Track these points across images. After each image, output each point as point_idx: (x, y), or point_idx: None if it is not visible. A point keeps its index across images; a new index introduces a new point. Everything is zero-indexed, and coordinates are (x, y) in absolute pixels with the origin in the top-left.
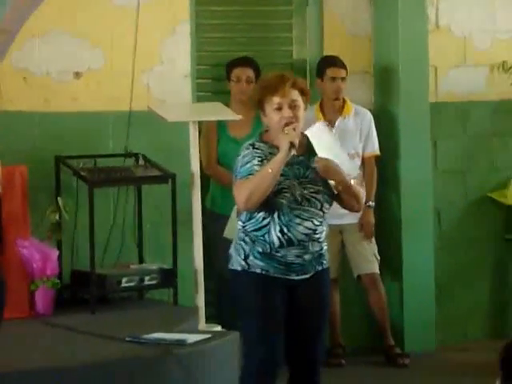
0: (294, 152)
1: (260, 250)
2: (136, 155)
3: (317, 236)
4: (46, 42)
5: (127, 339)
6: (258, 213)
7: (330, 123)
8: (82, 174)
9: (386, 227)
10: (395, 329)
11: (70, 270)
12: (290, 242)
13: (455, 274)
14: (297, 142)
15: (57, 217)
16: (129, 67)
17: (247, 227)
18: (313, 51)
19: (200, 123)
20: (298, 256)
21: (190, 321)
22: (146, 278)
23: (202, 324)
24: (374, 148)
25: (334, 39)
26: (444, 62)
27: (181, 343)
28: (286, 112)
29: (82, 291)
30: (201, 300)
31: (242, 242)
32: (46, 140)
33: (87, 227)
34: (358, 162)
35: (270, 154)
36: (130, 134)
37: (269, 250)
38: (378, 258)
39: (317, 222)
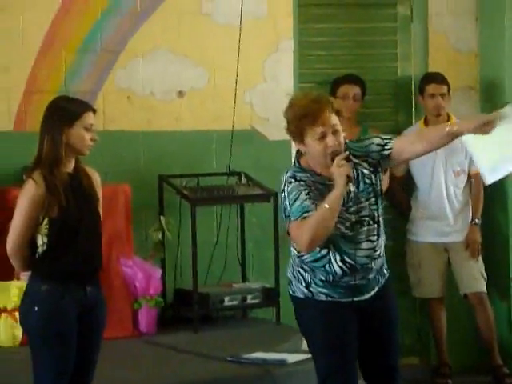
0: (351, 186)
1: (322, 278)
2: (238, 174)
3: (377, 253)
4: (149, 61)
5: (228, 359)
6: None
7: None
8: (185, 192)
9: (492, 245)
10: (503, 348)
11: (173, 288)
12: (354, 269)
13: None
14: (351, 173)
15: (160, 235)
16: (232, 86)
17: (305, 258)
18: (418, 68)
19: None
20: (362, 278)
21: (293, 340)
22: (249, 296)
23: (305, 343)
24: None
25: (439, 55)
26: None
27: (281, 363)
28: (331, 140)
29: (185, 310)
30: None
31: (300, 269)
32: (149, 159)
33: (190, 246)
34: (465, 178)
35: (314, 182)
36: (233, 152)
37: (332, 279)
38: (485, 276)
39: (373, 238)
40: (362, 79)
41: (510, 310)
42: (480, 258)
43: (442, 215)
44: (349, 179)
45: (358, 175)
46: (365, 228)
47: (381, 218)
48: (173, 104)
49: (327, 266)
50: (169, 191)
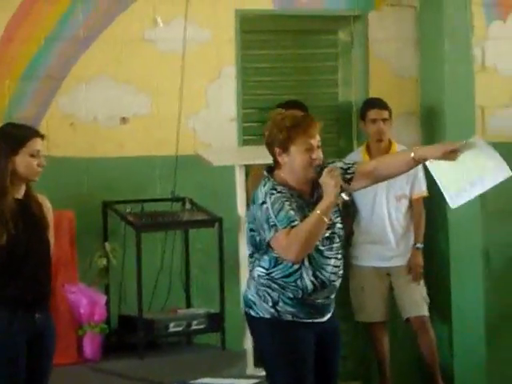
0: (345, 197)
1: (291, 295)
2: (183, 199)
3: (341, 272)
4: (93, 87)
5: None
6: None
7: None
8: (130, 218)
9: (434, 269)
10: (445, 372)
11: (117, 315)
12: (323, 285)
13: (505, 316)
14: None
15: (104, 262)
16: (175, 112)
17: (274, 274)
18: (358, 93)
19: (247, 167)
20: (326, 297)
21: (239, 365)
22: (194, 322)
23: (251, 368)
24: (422, 189)
25: (379, 81)
26: (491, 102)
27: None
28: (315, 154)
29: (129, 336)
30: (249, 344)
31: (267, 289)
32: (93, 185)
33: (135, 272)
34: (406, 203)
35: (292, 196)
36: (177, 178)
37: (301, 295)
38: (428, 300)
39: (339, 256)
40: (305, 104)
41: (451, 334)
42: (422, 281)
43: (384, 240)
44: (341, 189)
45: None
46: (334, 245)
47: (342, 242)
48: (116, 130)
49: (298, 281)
50: (113, 217)
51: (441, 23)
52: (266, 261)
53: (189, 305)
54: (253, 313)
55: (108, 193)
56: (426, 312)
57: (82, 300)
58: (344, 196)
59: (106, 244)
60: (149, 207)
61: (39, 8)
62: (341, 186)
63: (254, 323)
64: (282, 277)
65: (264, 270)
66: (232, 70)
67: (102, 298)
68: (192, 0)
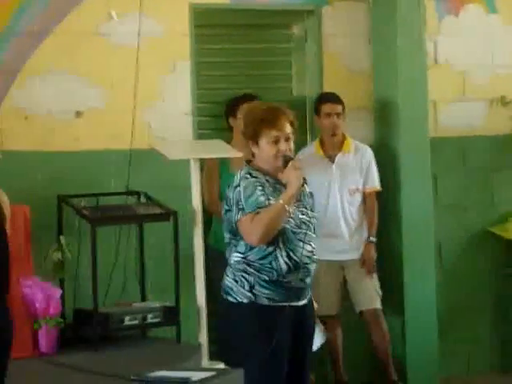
0: (306, 188)
1: (266, 278)
2: (138, 193)
3: (315, 257)
4: (47, 81)
5: (132, 378)
6: None
7: (330, 159)
8: (84, 212)
9: (387, 262)
10: (398, 364)
11: (72, 308)
12: (297, 266)
13: (457, 308)
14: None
15: (59, 256)
16: (130, 105)
17: (249, 257)
18: (312, 88)
19: (201, 160)
20: (301, 280)
21: (194, 358)
22: (149, 315)
23: (206, 361)
24: (375, 183)
25: (333, 76)
26: (443, 97)
27: (185, 381)
28: (284, 145)
29: (85, 330)
30: (204, 337)
31: (243, 273)
32: (47, 179)
33: (90, 266)
34: (359, 197)
35: (267, 181)
36: (132, 172)
37: (275, 277)
38: (380, 293)
39: (314, 245)
40: (258, 98)
41: (404, 327)
42: (375, 275)
43: (338, 233)
44: (304, 181)
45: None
46: (309, 232)
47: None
48: (71, 124)
49: (273, 263)
50: (68, 211)
51: (394, 18)
52: (242, 245)
53: (144, 298)
54: (231, 298)
55: (63, 187)
56: (378, 305)
57: (38, 294)
58: (307, 188)
59: (61, 238)
60: (104, 201)
61: None
62: (304, 179)
63: (232, 309)
64: (258, 259)
65: (240, 255)
66: (186, 64)
67: (58, 292)
68: None
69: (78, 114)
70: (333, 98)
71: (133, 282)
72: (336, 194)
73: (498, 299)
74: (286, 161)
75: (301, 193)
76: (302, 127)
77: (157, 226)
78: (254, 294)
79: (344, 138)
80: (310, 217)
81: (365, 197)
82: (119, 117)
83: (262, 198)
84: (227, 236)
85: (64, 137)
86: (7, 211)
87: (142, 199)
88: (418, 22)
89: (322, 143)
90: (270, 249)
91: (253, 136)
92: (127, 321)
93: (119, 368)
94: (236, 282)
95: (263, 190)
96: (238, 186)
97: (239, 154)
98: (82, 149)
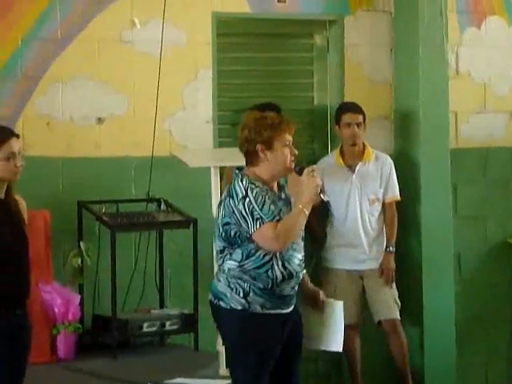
0: (323, 196)
1: (261, 286)
2: (158, 200)
3: (303, 265)
4: (69, 87)
5: None
6: (257, 251)
7: (351, 168)
8: (105, 218)
9: (406, 272)
10: (416, 374)
11: (91, 314)
12: (290, 275)
13: (475, 319)
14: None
15: (79, 261)
16: (151, 113)
17: (246, 266)
18: (334, 97)
19: (221, 168)
20: (292, 288)
21: (211, 366)
22: (168, 323)
23: (223, 369)
24: (395, 193)
25: (354, 85)
26: (464, 108)
27: None
28: (294, 150)
29: (103, 336)
30: (222, 345)
31: (238, 281)
32: (68, 185)
33: (109, 272)
34: (379, 206)
35: (267, 190)
36: (152, 179)
37: (270, 286)
38: (399, 303)
39: (303, 253)
40: (279, 106)
41: (422, 337)
42: (394, 285)
43: (357, 243)
44: (321, 190)
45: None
46: (299, 241)
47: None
48: (92, 130)
49: (269, 272)
50: (88, 217)
51: (416, 29)
52: (238, 254)
53: (162, 305)
54: (223, 304)
55: (83, 193)
56: (397, 315)
57: (57, 299)
58: (323, 197)
59: (81, 243)
60: (124, 208)
61: (17, 8)
62: (321, 186)
63: (225, 315)
64: (254, 268)
65: (235, 263)
66: (208, 72)
67: (76, 298)
68: (169, 2)
69: (100, 120)
70: (353, 108)
71: (152, 289)
72: (356, 204)
73: None
74: (300, 169)
75: (287, 200)
76: (322, 136)
77: (176, 233)
78: (247, 302)
79: (364, 147)
80: None
81: (384, 206)
82: (141, 124)
83: (273, 207)
84: (221, 244)
85: (85, 143)
86: (25, 216)
87: (163, 206)
88: (440, 33)
89: (342, 153)
90: (267, 258)
91: (268, 140)
92: (146, 327)
93: (137, 375)
94: (231, 288)
95: (269, 198)
96: (246, 196)
97: None
98: (104, 155)
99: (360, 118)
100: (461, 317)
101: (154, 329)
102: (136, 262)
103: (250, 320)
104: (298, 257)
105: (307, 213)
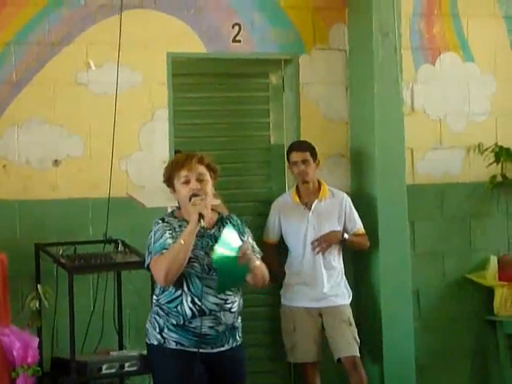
0: (203, 223)
1: (174, 322)
2: (115, 241)
3: (228, 306)
4: (25, 130)
5: None
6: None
7: (307, 206)
8: (62, 261)
9: (365, 309)
10: None
11: (50, 357)
12: (202, 312)
13: (435, 355)
14: (205, 212)
15: (37, 304)
16: (108, 154)
17: (161, 300)
18: (290, 136)
19: None
20: (210, 327)
21: None
22: (127, 364)
23: None
24: (358, 226)
25: (310, 123)
26: (420, 145)
27: None
28: (194, 184)
29: (62, 378)
30: None
31: (156, 316)
32: (25, 227)
33: (67, 314)
34: (337, 244)
35: (180, 226)
36: (110, 219)
37: (182, 322)
38: (358, 340)
39: (228, 292)
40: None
41: (382, 374)
42: (353, 322)
43: (316, 281)
44: (201, 216)
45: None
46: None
47: None
48: (49, 172)
49: (179, 307)
50: (46, 259)
51: (370, 66)
52: (158, 287)
53: (121, 346)
54: (147, 340)
55: (41, 235)
56: (357, 352)
57: (15, 342)
58: (202, 223)
59: (39, 286)
60: (81, 249)
61: None
62: (200, 214)
63: (147, 350)
64: (167, 302)
65: (155, 297)
66: (164, 112)
67: (35, 341)
68: (124, 43)
69: (56, 162)
70: (298, 146)
71: (111, 330)
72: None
73: (477, 346)
74: (191, 197)
75: (212, 236)
76: (280, 175)
77: (134, 273)
78: (163, 337)
79: (320, 184)
80: None
81: (345, 243)
82: (97, 165)
83: (170, 241)
84: None
85: (42, 185)
86: None
87: (120, 247)
88: (394, 70)
89: (298, 191)
90: (178, 293)
91: (168, 181)
92: (105, 369)
93: None
94: (151, 323)
95: (172, 233)
96: (151, 231)
97: (217, 202)
98: (60, 197)
99: (306, 155)
100: (421, 353)
101: (113, 370)
102: (94, 304)
103: (164, 356)
104: (216, 294)
105: (186, 245)
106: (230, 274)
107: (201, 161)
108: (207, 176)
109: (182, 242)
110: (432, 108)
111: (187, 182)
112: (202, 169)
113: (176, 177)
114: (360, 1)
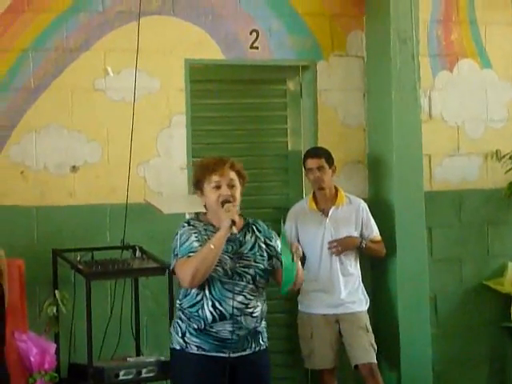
0: (235, 230)
1: (195, 326)
2: (133, 247)
3: (249, 310)
4: (43, 136)
5: None
6: (192, 289)
7: (324, 212)
8: (80, 266)
9: (382, 316)
10: None
11: (67, 363)
12: (223, 317)
13: (453, 362)
14: (237, 219)
15: (54, 310)
16: (125, 160)
17: (183, 304)
18: (307, 142)
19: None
20: (231, 331)
21: None
22: (144, 370)
23: None
24: (375, 233)
25: (328, 130)
26: (438, 151)
27: None
28: (225, 190)
29: None
30: None
31: (178, 320)
32: (43, 233)
33: (85, 320)
34: (354, 250)
35: (205, 230)
36: (127, 226)
37: (203, 326)
38: (375, 347)
39: (249, 296)
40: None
41: (399, 381)
42: (370, 329)
43: (333, 287)
44: (233, 223)
45: (253, 237)
46: (243, 283)
47: (261, 286)
48: (66, 178)
49: (200, 311)
50: (63, 265)
51: (388, 73)
52: (181, 293)
53: (139, 353)
54: (171, 345)
55: (58, 241)
56: (374, 359)
57: (32, 348)
58: (234, 230)
59: (56, 292)
60: (99, 255)
61: None
62: (233, 221)
63: (170, 355)
64: (188, 307)
65: (179, 301)
66: (182, 118)
67: (52, 347)
68: (142, 49)
69: (74, 168)
70: (313, 153)
71: (128, 336)
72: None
73: (494, 352)
74: (223, 203)
75: (237, 240)
76: (297, 181)
77: (152, 279)
78: (185, 342)
79: (337, 191)
80: (249, 267)
81: (362, 250)
82: (115, 171)
83: (196, 244)
84: None
85: (60, 191)
86: (3, 266)
87: (137, 253)
88: (412, 76)
89: (315, 197)
90: (199, 297)
91: (197, 184)
92: (122, 375)
93: None
94: (174, 328)
95: (197, 237)
96: (177, 233)
97: None
98: (78, 203)
99: (321, 161)
100: (438, 359)
101: (130, 376)
102: (112, 310)
103: (186, 360)
104: (237, 299)
105: (216, 250)
106: (292, 273)
107: (232, 166)
108: (237, 182)
109: (212, 246)
110: (450, 114)
111: (218, 187)
112: (233, 174)
113: (207, 181)
114: (378, 8)
